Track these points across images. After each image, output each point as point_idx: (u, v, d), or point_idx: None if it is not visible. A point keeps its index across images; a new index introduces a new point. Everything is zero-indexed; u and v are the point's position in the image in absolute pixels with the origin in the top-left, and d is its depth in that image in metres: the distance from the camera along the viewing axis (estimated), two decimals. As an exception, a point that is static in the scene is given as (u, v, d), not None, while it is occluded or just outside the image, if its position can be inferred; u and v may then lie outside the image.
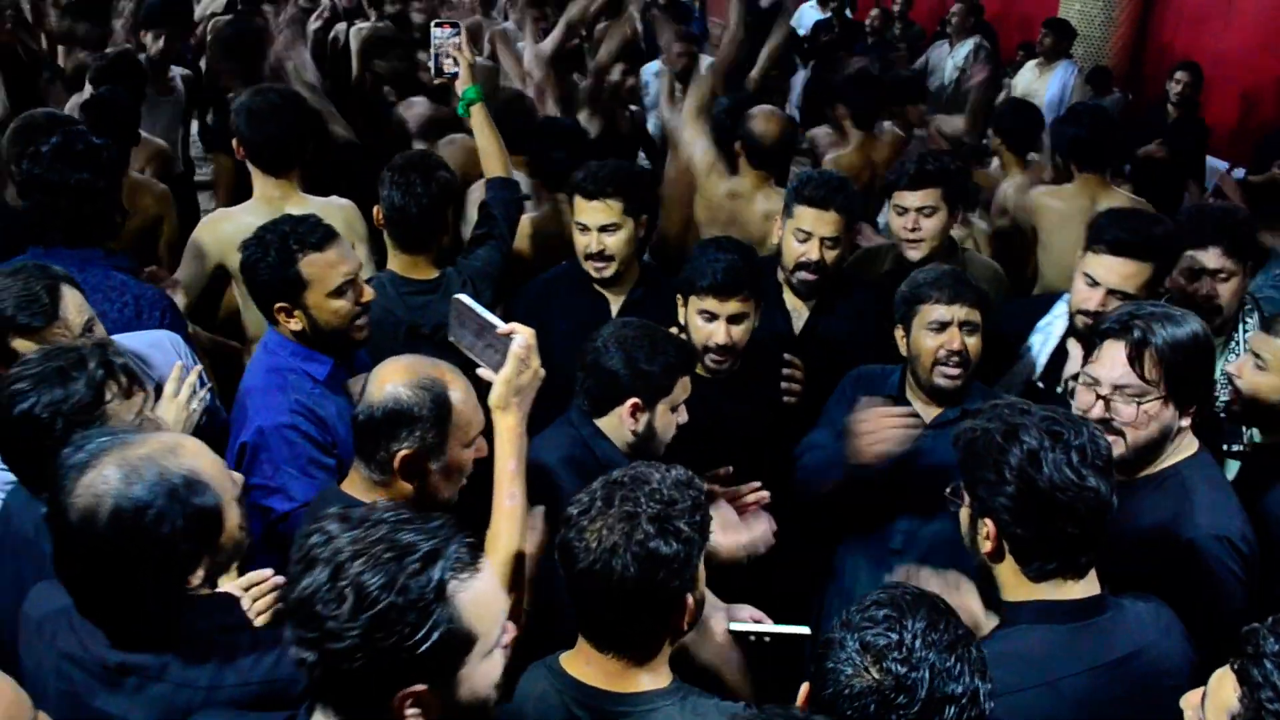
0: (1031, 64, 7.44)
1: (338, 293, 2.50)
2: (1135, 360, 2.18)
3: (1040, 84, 7.18)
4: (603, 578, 1.65)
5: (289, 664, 1.61)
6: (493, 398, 1.99)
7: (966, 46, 7.92)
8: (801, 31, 9.32)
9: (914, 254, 3.29)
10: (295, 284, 2.47)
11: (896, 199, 3.30)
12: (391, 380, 2.04)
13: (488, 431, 2.07)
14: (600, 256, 3.11)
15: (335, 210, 3.33)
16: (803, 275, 3.11)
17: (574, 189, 3.13)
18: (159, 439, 1.65)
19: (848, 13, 9.13)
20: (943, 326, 2.60)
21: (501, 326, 2.01)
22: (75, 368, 1.89)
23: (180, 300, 3.06)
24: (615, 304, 3.21)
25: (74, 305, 2.27)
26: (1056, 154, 4.43)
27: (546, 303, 3.18)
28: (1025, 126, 4.68)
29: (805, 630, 2.11)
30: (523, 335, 1.99)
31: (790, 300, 3.21)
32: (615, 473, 1.76)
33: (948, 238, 3.39)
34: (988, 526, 1.85)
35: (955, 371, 2.62)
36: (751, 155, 3.89)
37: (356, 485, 2.11)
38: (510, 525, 1.97)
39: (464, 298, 2.09)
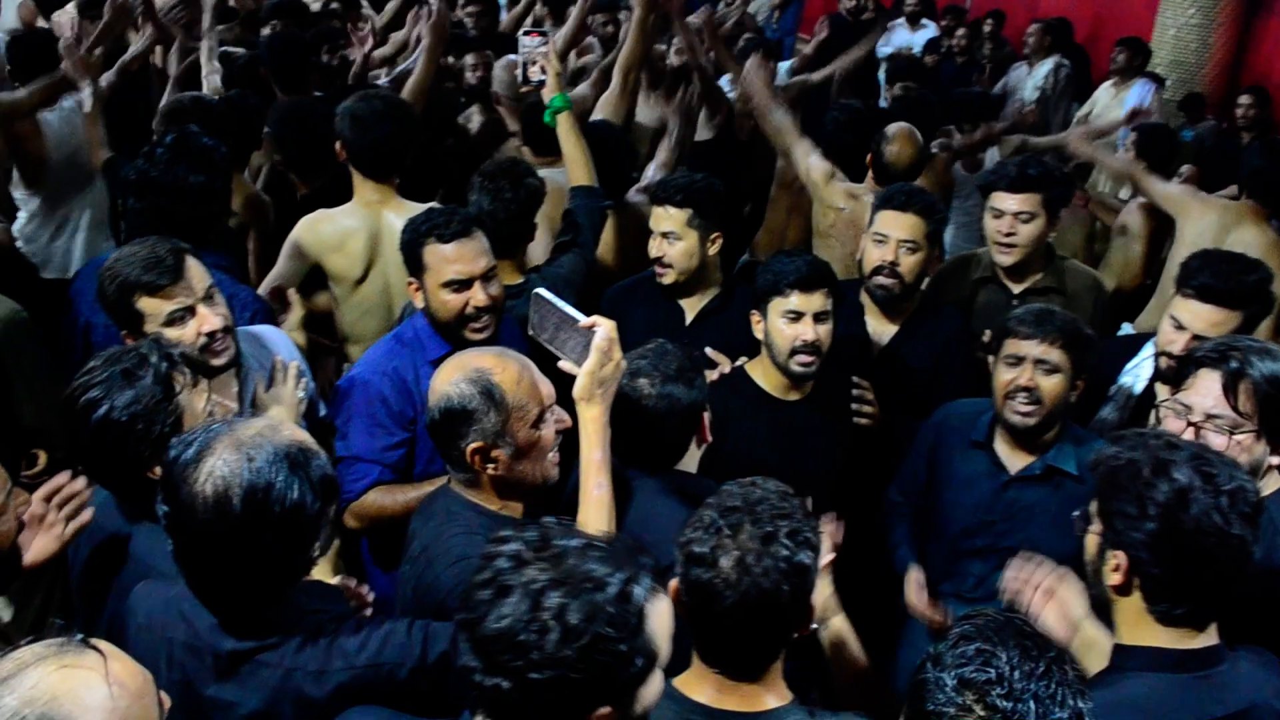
0: (1107, 84, 7.34)
1: (448, 286, 2.62)
2: (1230, 391, 2.12)
3: (1116, 103, 7.09)
4: (757, 603, 1.65)
5: (394, 648, 1.70)
6: (577, 389, 2.04)
7: (1046, 66, 7.84)
8: (887, 50, 9.28)
9: (1005, 259, 3.25)
10: (418, 265, 2.65)
11: (994, 201, 3.25)
12: (442, 381, 2.11)
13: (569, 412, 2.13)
14: (660, 262, 3.19)
15: (430, 217, 3.42)
16: (879, 280, 3.11)
17: (651, 194, 3.23)
18: (259, 420, 1.73)
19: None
20: (1018, 361, 2.57)
21: (583, 320, 2.05)
22: (139, 366, 1.95)
23: (296, 312, 3.11)
24: (690, 313, 3.27)
25: (196, 271, 2.36)
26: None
27: (626, 307, 3.26)
28: (1168, 149, 4.78)
29: None
30: (604, 327, 2.03)
31: (872, 323, 3.20)
32: (719, 500, 1.75)
33: (1046, 245, 3.33)
34: (1119, 559, 1.76)
35: (1025, 409, 2.58)
36: (879, 174, 3.92)
37: (457, 485, 2.18)
38: (599, 514, 2.03)
39: (544, 292, 2.15)
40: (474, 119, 4.60)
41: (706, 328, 3.19)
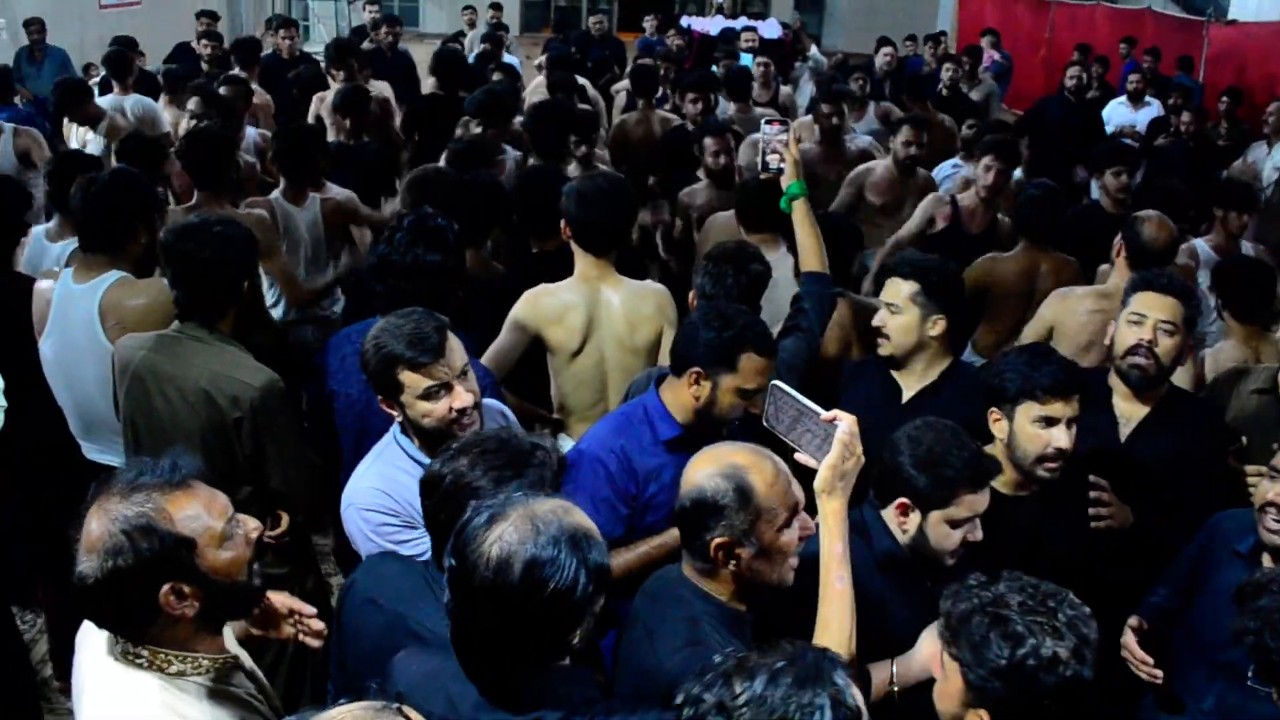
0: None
1: (745, 393, 2.60)
2: None
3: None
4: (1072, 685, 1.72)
5: None
6: (818, 482, 2.04)
7: (1288, 146, 7.39)
8: (1108, 129, 8.96)
9: None
10: (726, 364, 2.59)
11: None
12: (697, 471, 2.10)
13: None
14: (879, 332, 3.17)
15: (649, 294, 3.49)
16: (1134, 359, 2.97)
17: (892, 267, 3.22)
18: (552, 500, 1.78)
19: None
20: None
21: (824, 414, 2.05)
22: (526, 462, 2.04)
23: None
24: (907, 392, 3.20)
25: (456, 348, 2.44)
26: None
27: (853, 381, 3.27)
28: None
29: None
30: (846, 422, 2.03)
31: (1119, 406, 3.07)
32: (1004, 601, 1.79)
33: None
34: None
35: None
36: (1135, 258, 3.77)
37: (691, 571, 2.17)
38: (841, 607, 2.03)
39: (782, 385, 2.16)
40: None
41: (921, 409, 3.08)
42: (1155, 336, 2.95)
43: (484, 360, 3.37)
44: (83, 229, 3.39)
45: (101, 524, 1.69)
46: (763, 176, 3.46)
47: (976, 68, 10.07)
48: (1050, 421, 2.66)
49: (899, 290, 3.13)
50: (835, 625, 1.99)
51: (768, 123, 3.40)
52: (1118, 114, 9.11)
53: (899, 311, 3.12)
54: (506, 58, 9.71)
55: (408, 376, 2.40)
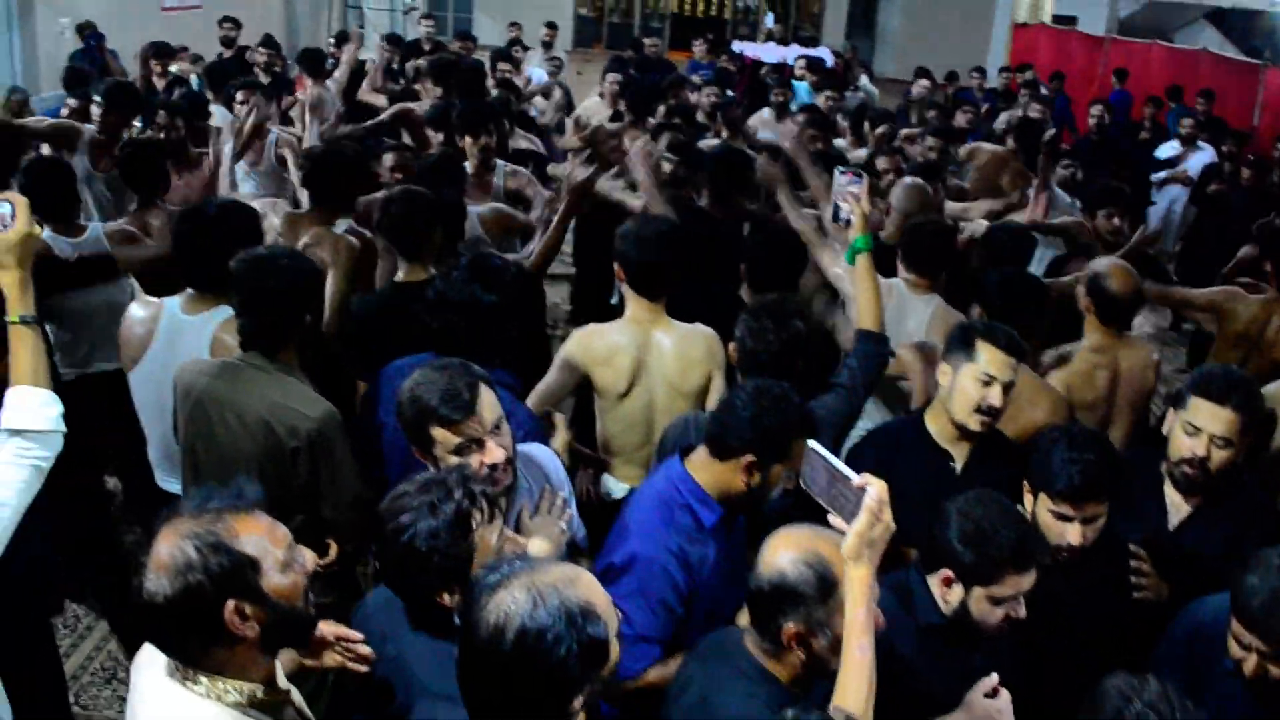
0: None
1: (791, 472, 2.57)
2: None
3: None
4: None
5: None
6: (845, 549, 2.02)
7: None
8: (1158, 175, 8.92)
9: None
10: (781, 453, 2.56)
11: None
12: (780, 553, 2.11)
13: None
14: (995, 413, 3.04)
15: (699, 338, 3.52)
16: (1184, 469, 2.94)
17: (989, 337, 3.05)
18: (561, 569, 1.80)
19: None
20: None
21: (855, 479, 2.04)
22: (444, 500, 2.07)
23: (562, 436, 3.22)
24: (959, 460, 3.16)
25: (489, 404, 2.46)
26: None
27: (892, 453, 3.17)
28: None
29: None
30: (875, 488, 2.01)
31: (1170, 494, 3.04)
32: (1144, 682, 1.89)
33: None
34: None
35: None
36: (1103, 312, 3.76)
37: (754, 647, 2.19)
38: (860, 675, 2.00)
39: (817, 445, 2.15)
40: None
41: (977, 476, 3.05)
42: (1209, 452, 2.89)
43: (531, 398, 3.40)
44: (187, 267, 3.37)
45: (171, 543, 1.76)
46: (831, 227, 3.43)
47: (1037, 100, 9.98)
48: (1065, 518, 2.64)
49: (1014, 368, 3.04)
50: (853, 693, 1.98)
51: (841, 172, 3.36)
52: (1164, 151, 9.08)
53: (1011, 386, 3.04)
54: (537, 72, 9.89)
55: (439, 433, 2.43)
